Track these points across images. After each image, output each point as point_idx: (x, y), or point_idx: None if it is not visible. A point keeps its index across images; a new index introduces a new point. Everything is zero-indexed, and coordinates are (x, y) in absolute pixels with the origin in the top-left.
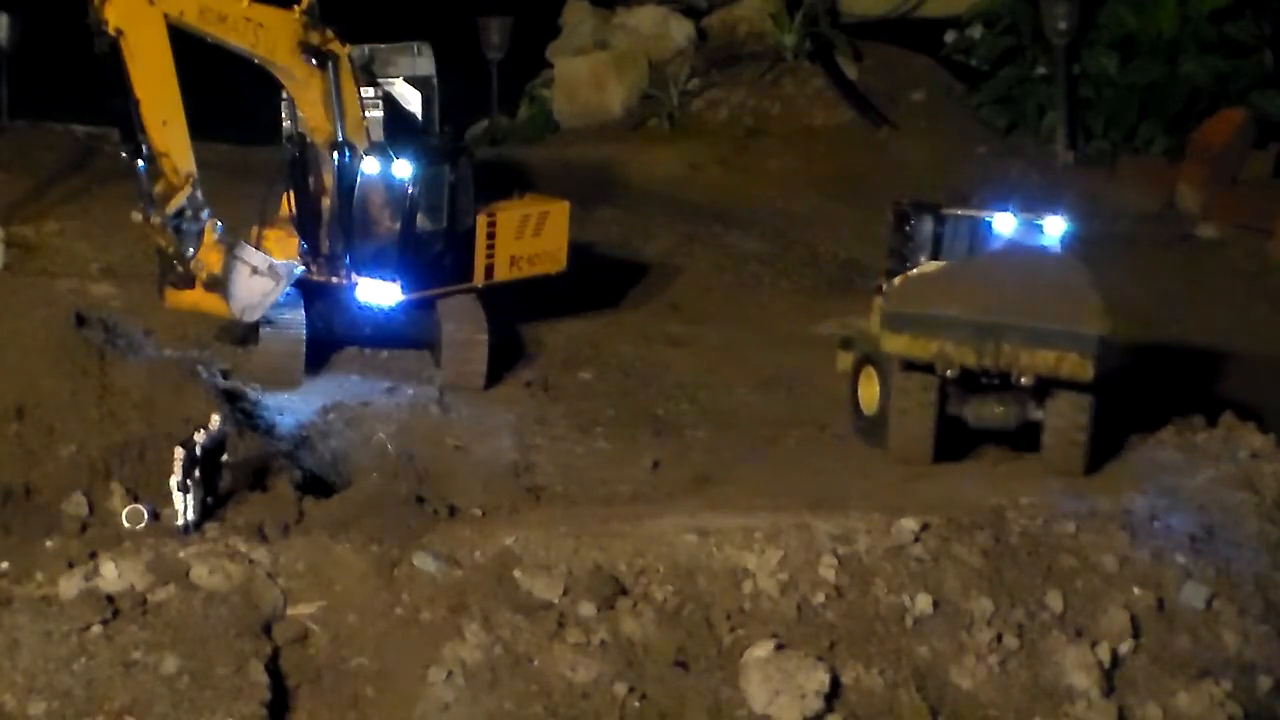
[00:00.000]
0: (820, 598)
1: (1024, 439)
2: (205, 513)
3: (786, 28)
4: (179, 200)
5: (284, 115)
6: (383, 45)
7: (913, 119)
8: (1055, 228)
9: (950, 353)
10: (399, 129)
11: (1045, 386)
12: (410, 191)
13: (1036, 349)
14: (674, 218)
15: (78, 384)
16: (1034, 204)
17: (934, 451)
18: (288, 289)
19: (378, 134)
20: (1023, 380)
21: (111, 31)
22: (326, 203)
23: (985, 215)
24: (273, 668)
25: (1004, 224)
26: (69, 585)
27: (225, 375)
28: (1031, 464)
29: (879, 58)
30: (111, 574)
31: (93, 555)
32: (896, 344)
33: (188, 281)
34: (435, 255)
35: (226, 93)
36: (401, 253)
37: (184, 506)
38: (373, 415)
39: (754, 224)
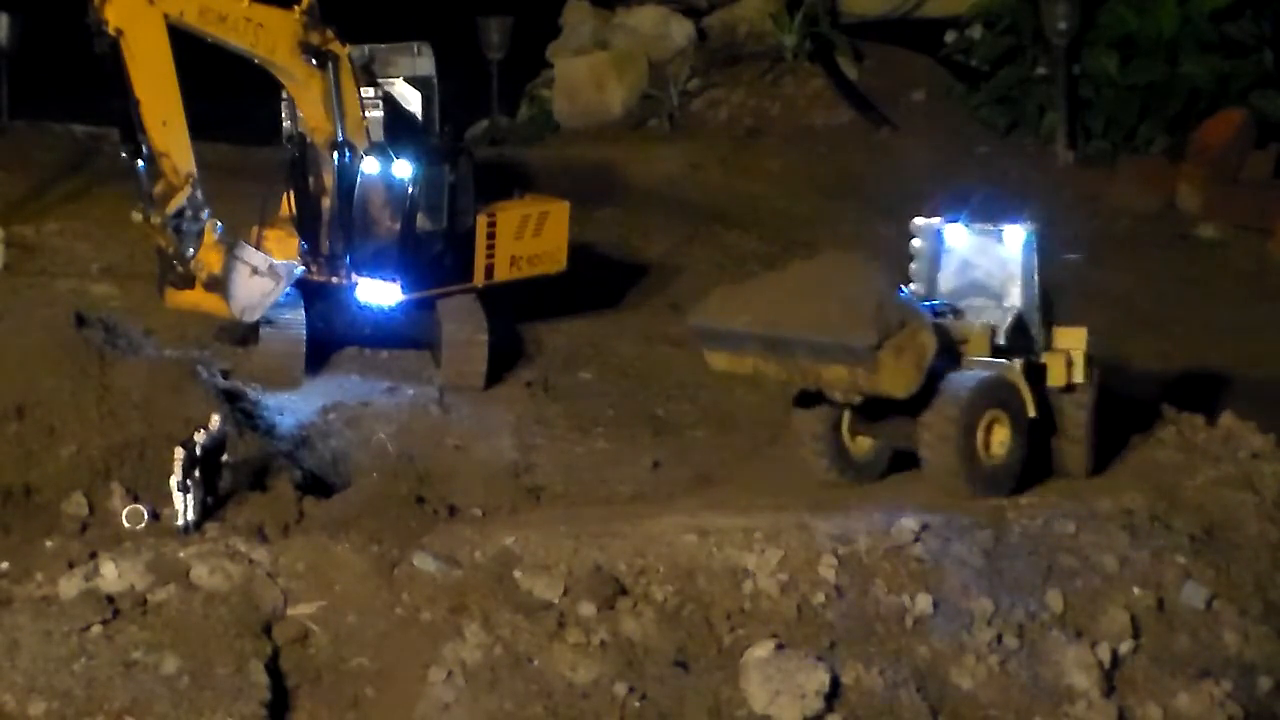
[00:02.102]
0: (820, 598)
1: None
2: (205, 513)
3: (787, 28)
4: (179, 200)
5: (284, 115)
6: (383, 45)
7: (913, 119)
8: (1014, 237)
9: (763, 369)
10: (399, 129)
11: (913, 406)
12: (410, 191)
13: (826, 364)
14: (674, 218)
15: (78, 384)
16: (998, 211)
17: (855, 473)
18: (288, 289)
19: (378, 134)
20: (838, 397)
21: (111, 31)
22: (326, 203)
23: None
24: (273, 668)
25: (955, 236)
26: (69, 585)
27: (225, 375)
28: (1031, 467)
29: (879, 58)
30: (111, 574)
31: (93, 555)
32: (718, 360)
33: (188, 281)
34: (435, 255)
35: (226, 93)
36: (401, 253)
37: (184, 506)
38: (373, 415)
39: (754, 224)
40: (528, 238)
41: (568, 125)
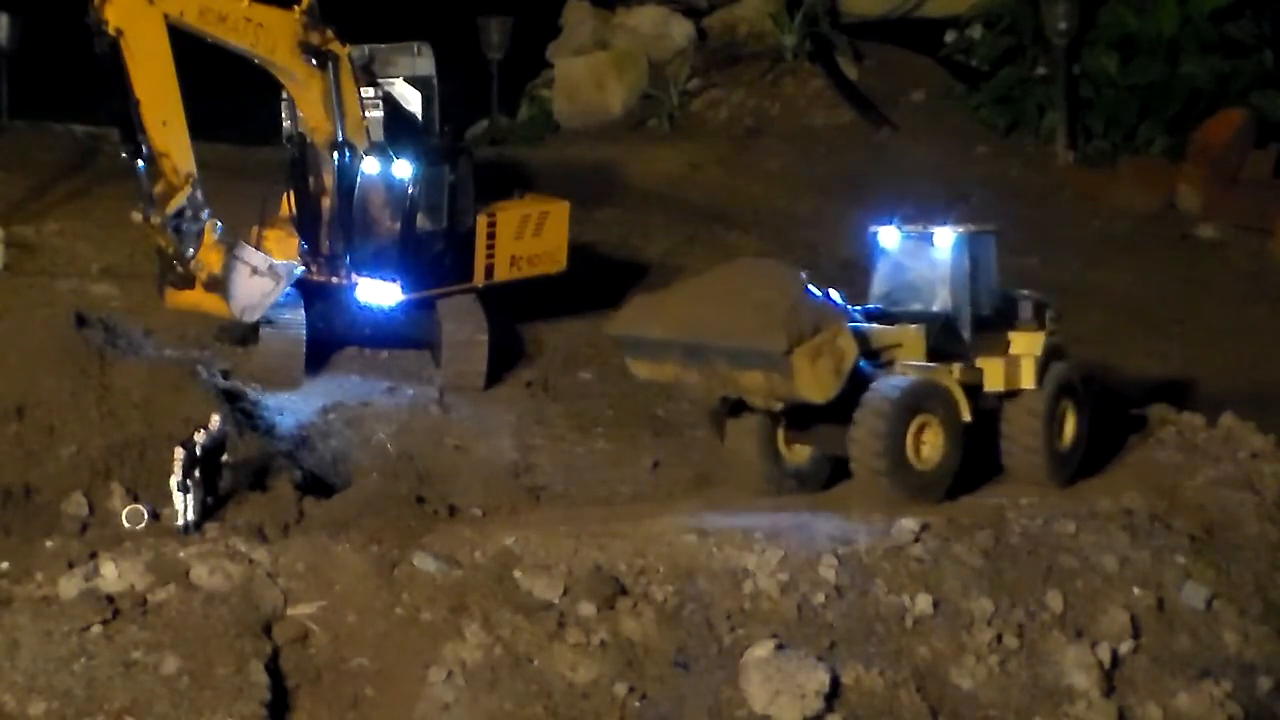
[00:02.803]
0: (820, 598)
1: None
2: (205, 513)
3: (787, 28)
4: (179, 200)
5: (284, 115)
6: (383, 45)
7: (913, 119)
8: (944, 240)
9: (683, 377)
10: (399, 129)
11: (844, 411)
12: (410, 191)
13: (743, 371)
14: (674, 218)
15: (78, 384)
16: (934, 213)
17: (793, 483)
18: (288, 289)
19: (378, 134)
20: (758, 403)
21: (111, 31)
22: (326, 203)
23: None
24: (273, 668)
25: (888, 238)
26: (69, 585)
27: (225, 375)
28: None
29: (879, 58)
30: (111, 574)
31: (93, 555)
32: (641, 369)
33: (188, 282)
34: (435, 255)
35: (226, 93)
36: (402, 253)
37: (184, 506)
38: (373, 415)
39: (754, 224)
40: (528, 238)
41: (568, 125)
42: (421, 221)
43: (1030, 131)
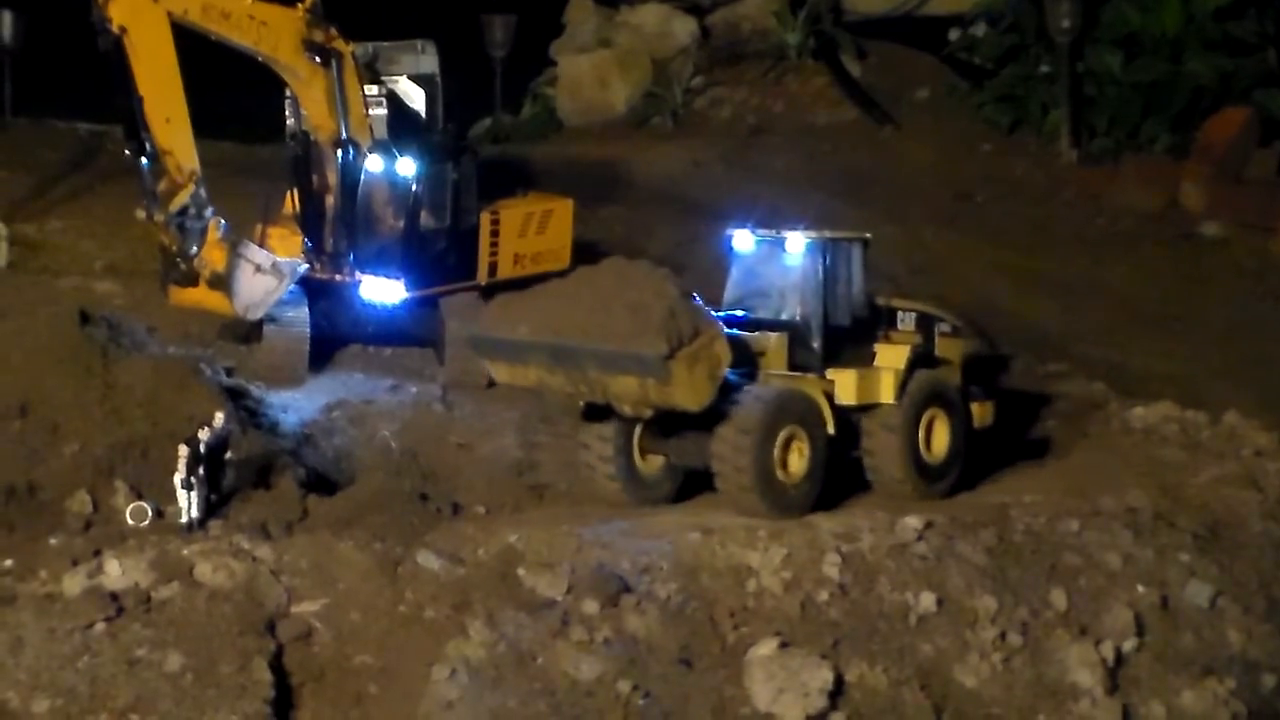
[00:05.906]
0: (824, 596)
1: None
2: (209, 510)
3: (790, 26)
4: (182, 198)
5: (288, 113)
6: (386, 43)
7: (916, 117)
8: (796, 245)
9: (547, 381)
10: (402, 127)
11: (708, 422)
12: (414, 189)
13: (615, 376)
14: (677, 216)
15: (81, 382)
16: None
17: (645, 493)
18: (291, 287)
19: (381, 132)
20: (627, 410)
21: (115, 29)
22: (330, 200)
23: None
24: (276, 665)
25: (742, 242)
26: (73, 583)
27: (229, 373)
28: (1033, 468)
29: (883, 56)
30: (115, 572)
31: (97, 553)
32: (500, 372)
33: (191, 279)
34: (439, 253)
35: (230, 90)
36: (405, 250)
37: (188, 504)
38: (376, 413)
39: (757, 223)
40: (531, 235)
41: (571, 123)
42: (425, 219)
43: (1034, 129)
